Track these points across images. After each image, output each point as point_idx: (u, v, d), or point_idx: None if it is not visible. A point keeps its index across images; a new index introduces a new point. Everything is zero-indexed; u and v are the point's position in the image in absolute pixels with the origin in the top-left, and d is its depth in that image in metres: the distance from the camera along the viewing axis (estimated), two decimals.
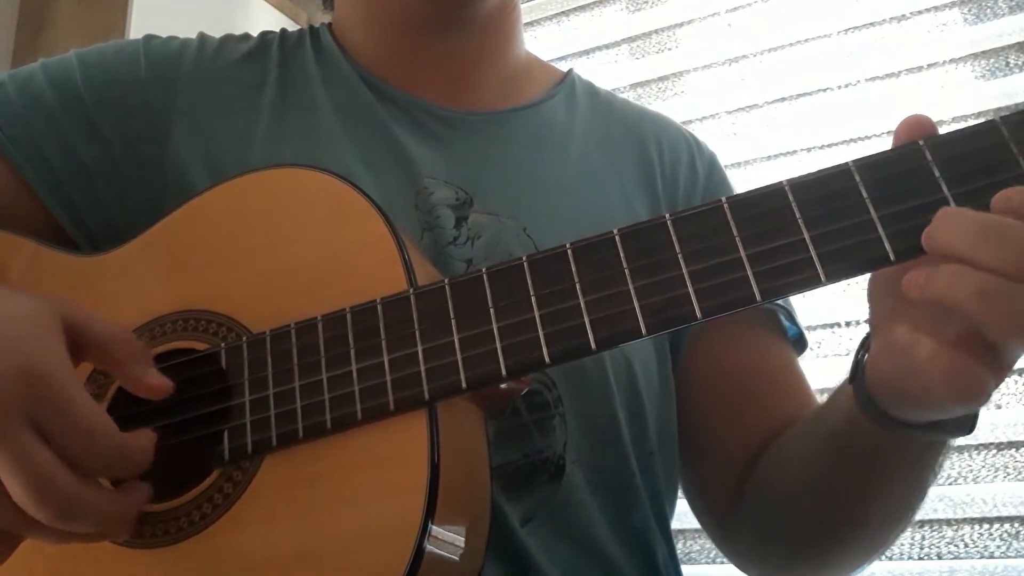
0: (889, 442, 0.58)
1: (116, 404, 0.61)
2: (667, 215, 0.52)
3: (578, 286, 0.52)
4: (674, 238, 0.51)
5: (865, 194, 0.48)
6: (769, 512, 0.75)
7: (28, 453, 0.48)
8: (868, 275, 0.52)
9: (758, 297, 0.48)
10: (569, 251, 0.53)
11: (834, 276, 0.48)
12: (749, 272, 0.49)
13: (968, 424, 0.54)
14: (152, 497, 0.55)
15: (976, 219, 0.44)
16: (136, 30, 1.67)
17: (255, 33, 0.86)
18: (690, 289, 0.50)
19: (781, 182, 0.50)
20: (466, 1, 0.78)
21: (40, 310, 0.53)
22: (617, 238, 0.52)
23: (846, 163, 0.49)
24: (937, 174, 0.47)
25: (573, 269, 0.52)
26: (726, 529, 0.81)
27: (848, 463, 0.64)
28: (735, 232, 0.50)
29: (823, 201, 0.49)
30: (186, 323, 0.62)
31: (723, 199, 0.51)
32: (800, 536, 0.73)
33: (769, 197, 0.50)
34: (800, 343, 0.84)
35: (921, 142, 0.48)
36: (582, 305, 0.51)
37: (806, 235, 0.48)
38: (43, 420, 0.49)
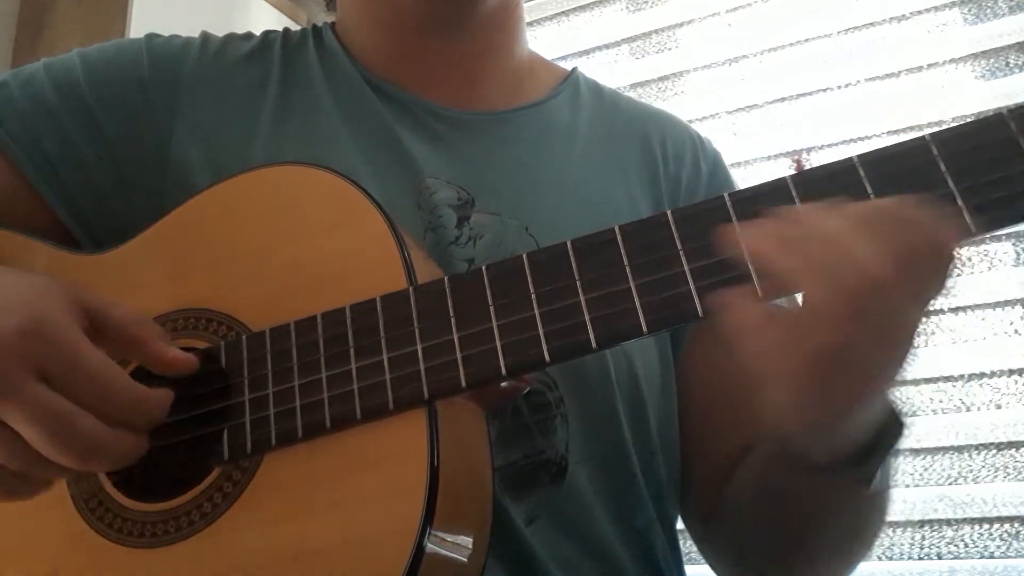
0: (803, 481, 0.58)
1: None
2: (668, 211, 0.52)
3: (579, 284, 0.52)
4: (676, 235, 0.51)
5: (870, 189, 0.48)
6: (735, 523, 0.75)
7: (45, 401, 0.50)
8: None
9: (760, 294, 0.48)
10: (570, 248, 0.53)
11: None
12: (752, 269, 0.48)
13: (867, 475, 0.54)
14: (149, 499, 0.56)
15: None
16: (136, 31, 1.67)
17: (255, 33, 0.86)
18: (692, 286, 0.49)
19: (784, 177, 0.50)
20: (466, 1, 0.77)
21: (53, 284, 0.55)
22: (618, 235, 0.52)
23: (850, 158, 0.49)
24: (943, 168, 0.47)
25: (574, 266, 0.52)
26: (704, 532, 0.81)
27: (781, 494, 0.65)
28: (737, 229, 0.49)
29: (827, 196, 0.48)
30: (186, 322, 0.62)
31: (725, 195, 0.51)
32: (757, 552, 0.75)
33: (772, 193, 0.50)
34: None
35: (927, 136, 0.48)
36: (583, 303, 0.51)
37: None
38: (52, 371, 0.50)
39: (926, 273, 0.44)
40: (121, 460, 0.54)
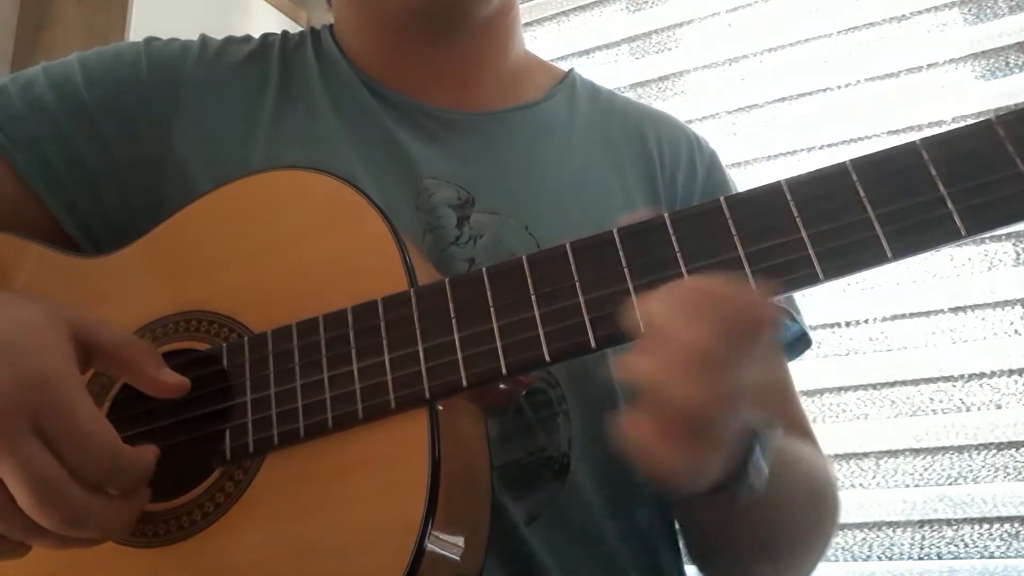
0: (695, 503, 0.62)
1: (117, 406, 0.61)
2: (666, 214, 0.52)
3: (578, 284, 0.52)
4: (672, 237, 0.51)
5: (862, 192, 0.48)
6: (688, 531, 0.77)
7: (36, 461, 0.49)
8: (866, 274, 0.52)
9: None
10: (569, 250, 0.53)
11: (832, 274, 0.48)
12: (747, 270, 0.49)
13: (738, 490, 0.57)
14: (150, 500, 0.56)
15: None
16: (136, 30, 1.67)
17: (256, 33, 0.86)
18: None
19: (779, 181, 0.50)
20: (459, 13, 0.78)
21: (49, 318, 0.54)
22: (616, 237, 0.52)
23: (843, 162, 0.50)
24: (934, 172, 0.47)
25: (573, 268, 0.53)
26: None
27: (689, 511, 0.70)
28: (733, 231, 0.50)
29: (821, 200, 0.49)
30: (188, 324, 0.62)
31: (721, 198, 0.51)
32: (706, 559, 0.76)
33: (767, 196, 0.50)
34: (802, 341, 0.84)
35: (918, 141, 0.49)
36: (582, 303, 0.52)
37: (804, 233, 0.49)
38: (48, 427, 0.49)
39: (745, 339, 0.48)
40: (105, 529, 0.52)
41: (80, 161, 0.73)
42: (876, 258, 0.47)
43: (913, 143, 0.49)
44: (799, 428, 0.79)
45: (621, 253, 0.52)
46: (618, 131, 0.85)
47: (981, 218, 0.46)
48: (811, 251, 0.48)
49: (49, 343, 0.52)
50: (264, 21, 1.94)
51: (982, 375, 1.52)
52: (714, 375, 0.47)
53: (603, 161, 0.82)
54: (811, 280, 0.48)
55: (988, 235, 1.52)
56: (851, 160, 0.49)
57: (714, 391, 0.48)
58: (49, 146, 0.73)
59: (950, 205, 0.47)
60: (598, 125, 0.85)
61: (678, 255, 0.51)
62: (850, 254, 0.48)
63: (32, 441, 0.49)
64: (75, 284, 0.67)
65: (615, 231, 0.53)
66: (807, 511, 0.70)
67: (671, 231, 0.51)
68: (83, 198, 0.73)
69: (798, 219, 0.49)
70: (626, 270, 0.51)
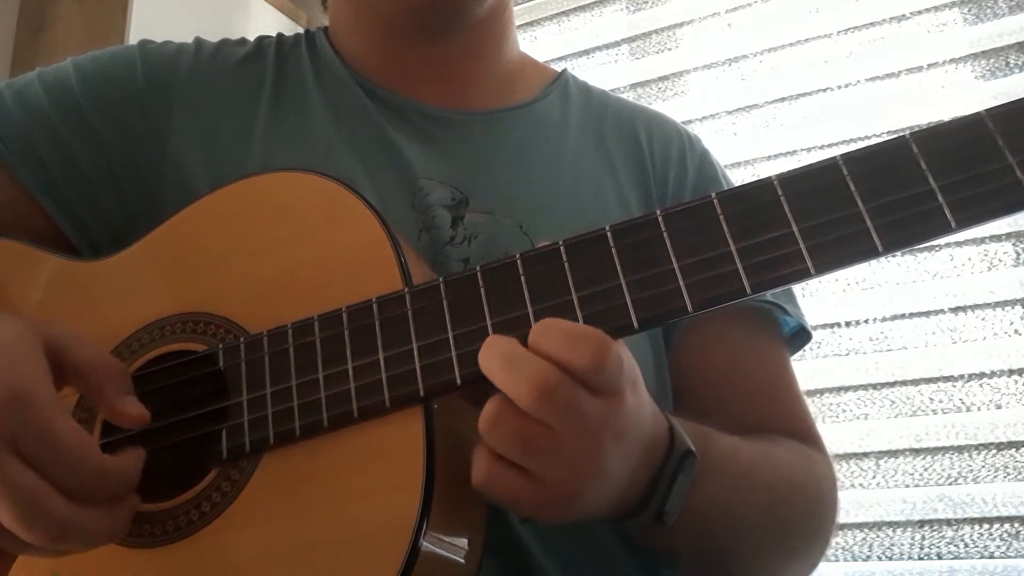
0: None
1: None
2: (658, 211, 0.52)
3: (570, 282, 0.52)
4: (665, 233, 0.51)
5: (853, 187, 0.48)
6: None
7: (15, 479, 0.48)
8: (863, 271, 0.52)
9: (748, 290, 0.49)
10: (562, 248, 0.53)
11: (824, 268, 0.48)
12: (739, 266, 0.49)
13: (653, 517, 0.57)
14: (140, 506, 0.55)
15: (502, 348, 0.50)
16: (136, 31, 1.67)
17: (256, 34, 0.86)
18: (681, 283, 0.50)
19: (770, 177, 0.50)
20: (454, 12, 0.78)
21: (22, 334, 0.53)
22: (609, 234, 0.53)
23: (834, 157, 0.50)
24: (924, 166, 0.48)
25: (566, 265, 0.53)
26: None
27: None
28: (725, 227, 0.50)
29: (812, 195, 0.49)
30: (185, 325, 0.62)
31: (713, 194, 0.51)
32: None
33: (758, 192, 0.50)
34: (802, 336, 0.84)
35: (908, 135, 0.49)
36: (575, 301, 0.52)
37: (795, 228, 0.49)
38: (25, 445, 0.49)
39: (560, 405, 0.49)
40: (94, 539, 0.52)
41: (76, 164, 0.73)
42: (867, 252, 0.47)
43: (903, 137, 0.49)
44: (794, 426, 0.78)
45: (614, 250, 0.52)
46: (611, 130, 0.85)
47: (971, 211, 0.46)
48: (802, 245, 0.48)
49: (22, 360, 0.51)
50: (264, 21, 1.94)
51: (982, 375, 1.52)
52: (532, 429, 0.49)
53: (596, 160, 0.82)
54: (803, 275, 0.48)
55: (986, 234, 1.53)
56: (842, 155, 0.49)
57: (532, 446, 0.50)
58: (45, 150, 0.73)
59: (940, 198, 0.47)
60: (591, 124, 0.85)
61: (670, 251, 0.51)
62: (841, 248, 0.48)
63: (10, 461, 0.48)
64: (73, 288, 0.67)
65: (607, 228, 0.53)
66: (765, 520, 0.68)
67: (663, 227, 0.51)
68: (80, 201, 0.73)
69: (789, 214, 0.49)
70: (619, 267, 0.51)
